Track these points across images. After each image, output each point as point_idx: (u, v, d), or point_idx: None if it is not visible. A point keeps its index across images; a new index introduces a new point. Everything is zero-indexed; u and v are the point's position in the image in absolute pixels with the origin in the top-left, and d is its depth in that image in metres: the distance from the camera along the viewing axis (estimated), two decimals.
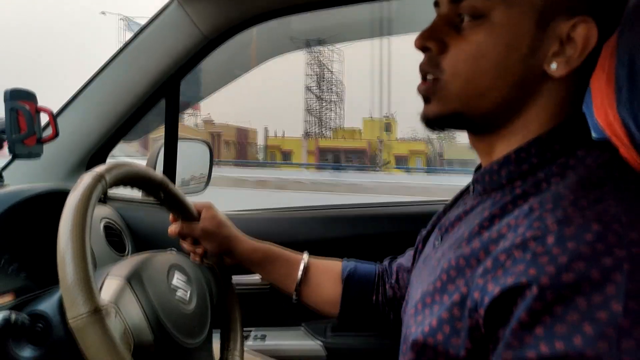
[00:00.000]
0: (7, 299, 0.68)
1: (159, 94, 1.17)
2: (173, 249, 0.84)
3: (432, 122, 0.56)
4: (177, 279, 0.74)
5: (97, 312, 0.52)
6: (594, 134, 0.56)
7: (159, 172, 1.15)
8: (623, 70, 0.55)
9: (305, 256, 0.87)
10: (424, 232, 0.73)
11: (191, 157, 1.40)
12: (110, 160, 1.21)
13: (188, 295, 0.73)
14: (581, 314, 0.39)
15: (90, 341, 0.51)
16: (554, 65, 0.50)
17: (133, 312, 0.62)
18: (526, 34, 0.49)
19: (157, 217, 1.21)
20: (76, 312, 0.51)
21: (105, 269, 0.68)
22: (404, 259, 0.83)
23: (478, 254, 0.49)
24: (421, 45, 0.55)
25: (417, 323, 0.54)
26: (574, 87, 0.53)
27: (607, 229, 0.41)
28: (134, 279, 0.65)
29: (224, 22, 1.10)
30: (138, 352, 0.59)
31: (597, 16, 0.49)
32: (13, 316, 0.55)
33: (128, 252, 1.13)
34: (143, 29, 1.12)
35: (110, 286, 0.63)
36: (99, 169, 0.62)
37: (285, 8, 1.10)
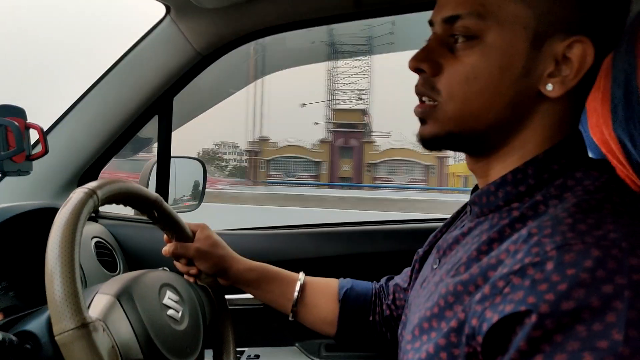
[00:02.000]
0: None
1: (152, 110, 1.17)
2: (165, 268, 0.83)
3: (428, 142, 0.56)
4: (169, 298, 0.72)
5: (83, 327, 0.51)
6: (590, 154, 0.56)
7: (151, 190, 1.14)
8: (619, 89, 0.56)
9: (302, 275, 0.86)
10: (420, 251, 0.72)
11: (185, 175, 1.39)
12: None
13: (180, 315, 0.72)
14: (581, 342, 0.38)
15: (76, 357, 0.50)
16: (549, 86, 0.49)
17: (122, 329, 0.60)
18: (520, 54, 0.49)
19: (149, 235, 1.20)
20: (63, 327, 0.50)
21: (95, 287, 0.66)
22: (401, 279, 0.83)
23: (476, 280, 0.48)
24: (415, 67, 0.55)
25: (414, 349, 0.53)
26: (570, 107, 0.52)
27: (606, 255, 0.40)
28: (124, 296, 0.64)
29: (217, 39, 1.11)
30: None
31: (593, 36, 0.48)
32: (1, 336, 0.53)
33: (119, 270, 1.11)
34: (135, 45, 1.12)
35: (99, 303, 0.62)
36: (91, 184, 0.61)
37: (278, 25, 1.11)
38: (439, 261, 0.60)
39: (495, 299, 0.44)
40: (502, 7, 0.49)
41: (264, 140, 34.09)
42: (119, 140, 1.18)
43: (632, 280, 0.39)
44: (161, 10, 1.08)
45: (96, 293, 0.64)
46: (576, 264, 0.40)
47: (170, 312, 0.70)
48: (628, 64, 0.54)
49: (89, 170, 1.19)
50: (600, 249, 0.40)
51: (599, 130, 0.61)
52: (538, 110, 0.51)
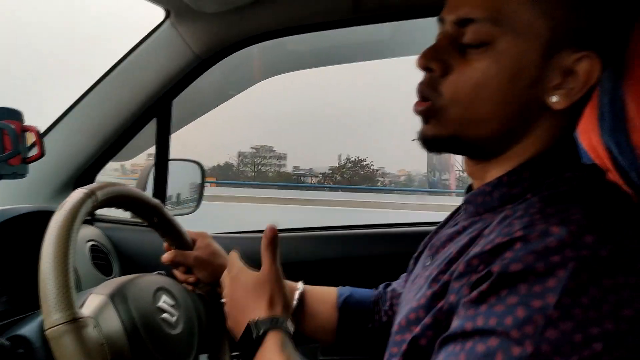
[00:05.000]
0: None
1: (150, 113, 1.17)
2: (162, 272, 0.83)
3: (430, 142, 0.55)
4: (164, 302, 0.72)
5: (73, 322, 0.51)
6: (583, 159, 0.56)
7: (149, 192, 1.14)
8: (605, 96, 0.56)
9: (300, 284, 0.86)
10: (415, 254, 0.72)
11: (183, 177, 1.39)
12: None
13: (174, 319, 0.72)
14: (519, 298, 0.41)
15: (63, 350, 0.51)
16: (554, 98, 0.49)
17: (113, 327, 0.60)
18: (531, 64, 0.49)
19: (145, 238, 1.19)
20: (53, 321, 0.51)
21: (89, 290, 0.66)
22: (398, 284, 0.83)
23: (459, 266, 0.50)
24: (424, 65, 0.54)
25: (403, 340, 0.53)
26: (570, 117, 0.53)
27: (564, 230, 0.42)
28: (117, 296, 0.64)
29: (216, 43, 1.11)
30: None
31: (602, 52, 0.48)
32: None
33: (115, 274, 1.10)
34: (134, 48, 1.12)
35: (92, 302, 0.62)
36: (91, 185, 0.61)
37: (277, 30, 1.11)
38: (432, 258, 0.60)
39: (471, 276, 0.46)
40: (519, 14, 0.48)
41: None
42: (117, 143, 1.18)
43: (580, 254, 0.41)
44: (161, 13, 1.08)
45: (90, 294, 0.64)
46: (539, 243, 0.42)
47: (164, 315, 0.70)
48: (614, 72, 0.54)
49: (85, 174, 1.19)
50: (560, 226, 0.43)
51: (587, 136, 0.62)
52: (540, 120, 0.52)
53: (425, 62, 0.53)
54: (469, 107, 0.51)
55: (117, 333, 0.60)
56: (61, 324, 0.50)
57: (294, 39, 1.28)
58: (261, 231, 1.32)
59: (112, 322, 0.60)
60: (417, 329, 0.51)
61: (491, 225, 0.49)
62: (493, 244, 0.45)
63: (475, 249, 0.47)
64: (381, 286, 0.86)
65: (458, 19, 0.51)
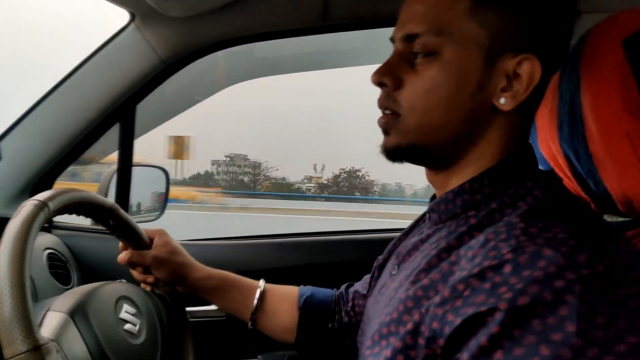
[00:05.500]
0: None
1: (113, 118, 1.14)
2: (123, 280, 0.80)
3: (391, 153, 0.58)
4: (126, 312, 0.70)
5: (36, 350, 0.50)
6: (541, 167, 0.59)
7: (110, 199, 1.11)
8: (564, 107, 0.59)
9: (262, 283, 0.86)
10: (380, 259, 0.74)
11: (147, 184, 1.36)
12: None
13: (137, 328, 0.70)
14: (537, 335, 0.40)
15: None
16: (502, 100, 0.53)
17: (76, 348, 0.59)
18: (475, 70, 0.52)
19: (106, 246, 1.16)
20: (14, 350, 0.49)
21: (46, 302, 0.64)
22: (360, 286, 0.84)
23: (437, 286, 0.49)
24: (377, 81, 0.57)
25: (373, 355, 0.54)
26: (521, 120, 0.56)
27: (556, 252, 0.42)
28: (78, 313, 0.62)
29: (183, 48, 1.09)
30: None
31: (540, 54, 0.52)
32: None
33: (73, 284, 1.07)
34: (97, 50, 1.09)
35: (51, 321, 0.60)
36: (42, 195, 0.59)
37: (245, 37, 1.10)
38: (398, 267, 0.61)
39: (455, 302, 0.46)
40: (458, 26, 0.52)
41: None
42: (77, 148, 1.14)
43: (581, 275, 0.41)
44: (125, 16, 1.06)
45: (48, 310, 0.61)
46: (530, 265, 0.42)
47: (127, 326, 0.69)
48: (572, 83, 0.58)
49: (43, 178, 1.15)
50: (551, 247, 0.43)
51: (547, 145, 0.65)
52: (492, 124, 0.54)
53: (378, 77, 0.57)
54: (424, 114, 0.54)
55: (81, 354, 0.59)
56: (23, 353, 0.49)
57: (262, 45, 1.28)
58: (229, 238, 1.32)
59: (75, 344, 0.59)
60: (388, 352, 0.51)
61: (470, 245, 0.50)
62: (481, 267, 0.45)
63: (462, 273, 0.47)
64: (343, 287, 0.87)
65: (405, 34, 0.55)
